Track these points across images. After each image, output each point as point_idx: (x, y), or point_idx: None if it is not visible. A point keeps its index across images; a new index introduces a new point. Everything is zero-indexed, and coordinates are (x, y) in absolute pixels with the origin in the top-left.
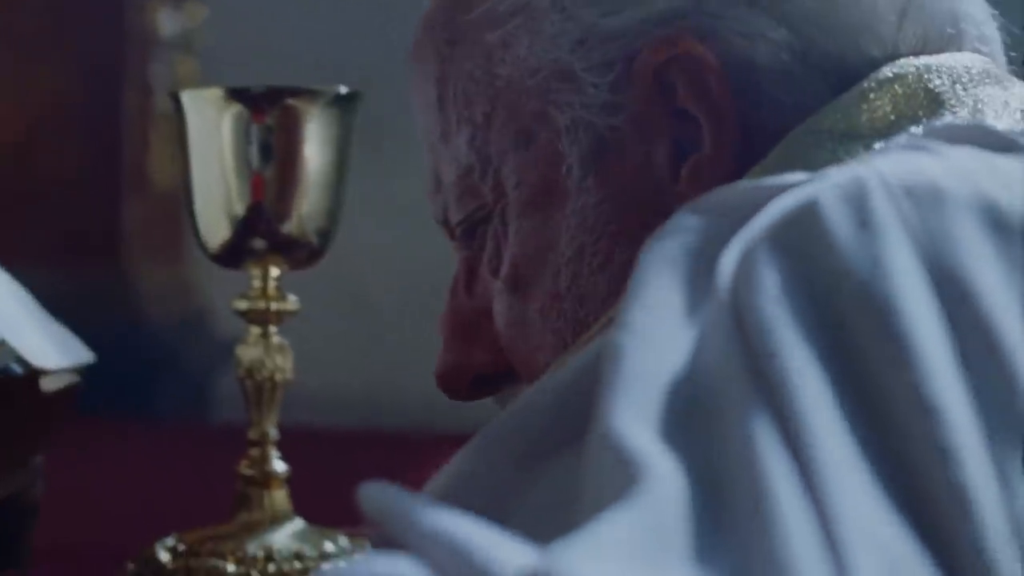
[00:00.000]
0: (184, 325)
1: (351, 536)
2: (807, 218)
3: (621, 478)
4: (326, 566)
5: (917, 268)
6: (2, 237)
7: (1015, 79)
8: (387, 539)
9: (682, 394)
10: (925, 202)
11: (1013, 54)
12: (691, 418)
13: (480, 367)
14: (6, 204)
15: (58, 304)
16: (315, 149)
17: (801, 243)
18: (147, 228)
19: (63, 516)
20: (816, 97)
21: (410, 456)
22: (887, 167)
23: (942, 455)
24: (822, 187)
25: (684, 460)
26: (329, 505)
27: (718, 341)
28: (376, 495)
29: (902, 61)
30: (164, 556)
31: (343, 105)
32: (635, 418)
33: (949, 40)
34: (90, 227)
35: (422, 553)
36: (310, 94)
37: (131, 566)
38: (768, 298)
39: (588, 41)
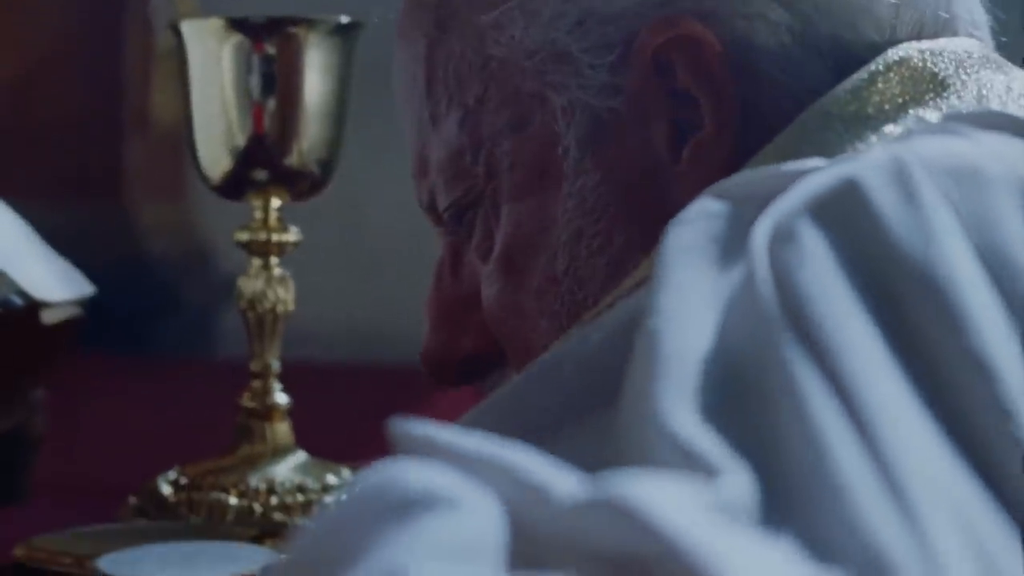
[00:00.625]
0: (186, 261)
1: (353, 468)
2: (851, 194)
3: (671, 460)
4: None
5: (966, 243)
6: (4, 174)
7: (1012, 64)
8: None
9: (722, 369)
10: (966, 181)
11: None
12: (734, 392)
13: (467, 352)
14: (7, 142)
15: (60, 241)
16: (316, 79)
17: (845, 218)
18: (148, 165)
19: (65, 450)
20: (815, 78)
21: (412, 390)
22: (923, 148)
23: (1004, 415)
24: (860, 166)
25: (733, 434)
26: (331, 438)
27: (756, 312)
28: (412, 428)
29: (906, 45)
30: (166, 489)
31: (344, 35)
32: (679, 399)
33: (944, 24)
34: (92, 164)
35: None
36: (310, 24)
37: (133, 500)
38: (815, 267)
39: (587, 22)
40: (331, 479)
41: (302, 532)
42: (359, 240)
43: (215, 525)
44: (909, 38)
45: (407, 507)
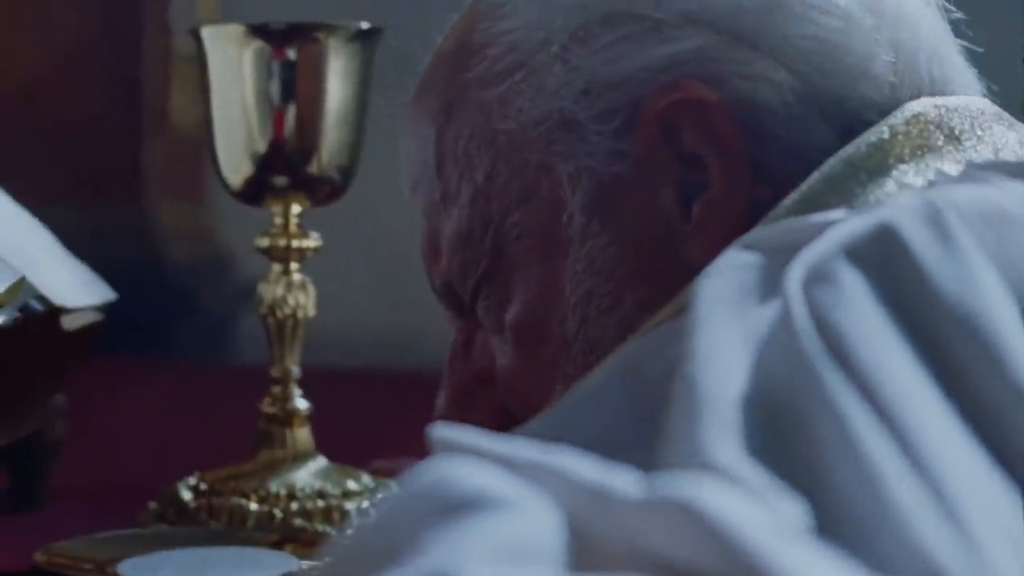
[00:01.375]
0: (204, 266)
1: (373, 474)
2: (886, 238)
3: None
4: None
5: (1001, 283)
6: (22, 177)
7: (1021, 123)
8: None
9: (761, 408)
10: (996, 223)
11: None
12: (776, 428)
13: (479, 428)
14: (26, 144)
15: (77, 244)
16: (336, 85)
17: (882, 260)
18: (167, 169)
19: (85, 456)
20: (820, 136)
21: (431, 396)
22: (953, 194)
23: None
24: (893, 211)
25: (779, 466)
26: (351, 444)
27: (794, 350)
28: (455, 434)
29: (924, 100)
30: (186, 495)
31: (364, 41)
32: (721, 436)
33: (942, 86)
34: (110, 167)
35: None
36: (331, 29)
37: (153, 505)
38: (854, 306)
39: (592, 90)
40: (351, 485)
41: (350, 530)
42: (378, 246)
43: (235, 531)
44: (909, 98)
45: (459, 507)
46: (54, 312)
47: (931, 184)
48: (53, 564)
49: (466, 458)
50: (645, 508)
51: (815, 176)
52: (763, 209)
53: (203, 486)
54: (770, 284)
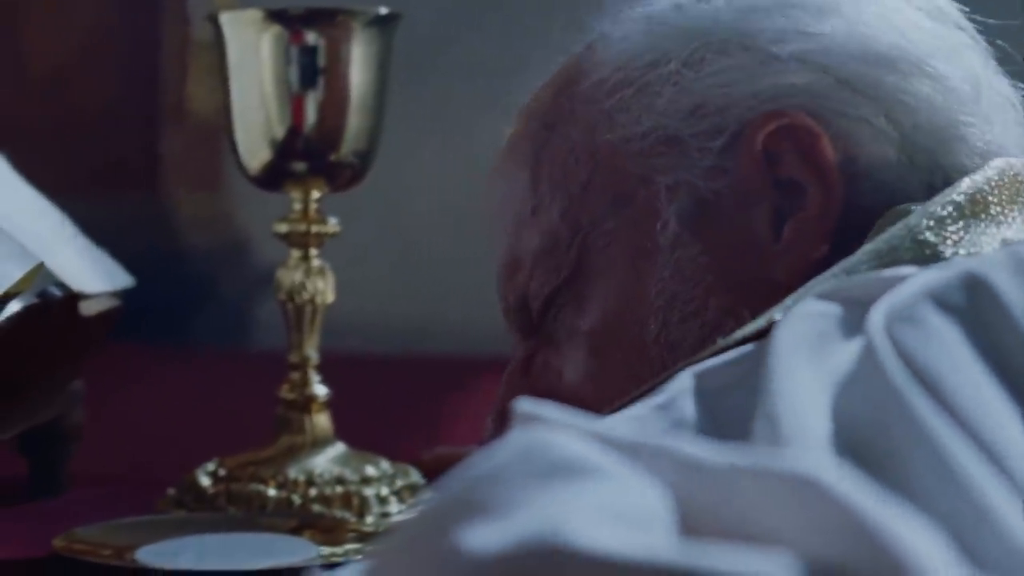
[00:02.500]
0: (222, 253)
1: (392, 460)
2: (974, 285)
3: None
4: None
5: None
6: (41, 166)
7: None
8: None
9: (846, 443)
10: None
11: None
12: (865, 460)
13: None
14: (44, 133)
15: (95, 232)
16: (355, 70)
17: (970, 305)
18: (185, 156)
19: (104, 442)
20: (911, 186)
21: (450, 382)
22: None
23: None
24: (979, 262)
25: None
26: (370, 430)
27: (880, 385)
28: (543, 409)
29: (1012, 160)
30: (205, 481)
31: (382, 26)
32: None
33: (1016, 151)
34: (128, 156)
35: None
36: (349, 15)
37: (172, 491)
38: (942, 344)
39: (699, 111)
40: (370, 470)
41: (441, 485)
42: (397, 232)
43: (255, 517)
44: (995, 155)
45: (561, 470)
46: (72, 298)
47: (1018, 244)
48: (72, 551)
49: (559, 429)
50: (756, 479)
51: (899, 226)
52: (849, 241)
53: (222, 472)
54: (849, 330)
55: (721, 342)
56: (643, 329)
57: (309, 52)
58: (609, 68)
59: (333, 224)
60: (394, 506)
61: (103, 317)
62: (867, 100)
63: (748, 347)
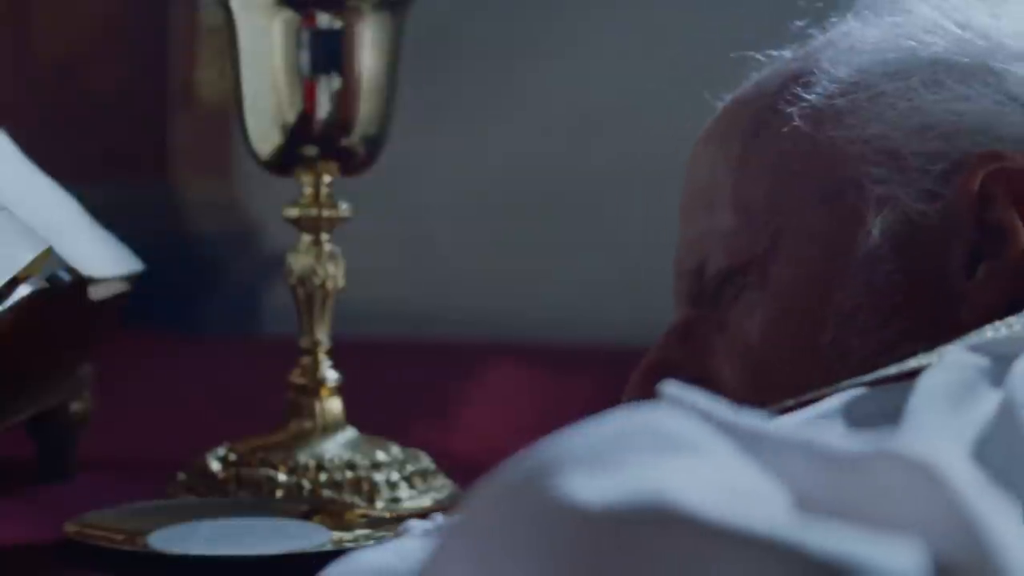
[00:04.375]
0: (230, 238)
1: (403, 445)
2: None
3: None
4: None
5: None
6: (50, 152)
7: None
8: None
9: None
10: None
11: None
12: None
13: None
14: (53, 119)
15: (103, 217)
16: (366, 54)
17: None
18: (193, 142)
19: (114, 427)
20: None
21: (460, 367)
22: None
23: None
24: None
25: None
26: (380, 414)
27: (1017, 434)
28: (687, 393)
29: None
30: (215, 466)
31: (394, 9)
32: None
33: None
34: (136, 141)
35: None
36: None
37: (182, 476)
38: None
39: (927, 133)
40: (381, 456)
41: (545, 442)
42: (407, 216)
43: (269, 502)
44: None
45: (675, 445)
46: (82, 282)
47: None
48: (84, 535)
49: (689, 413)
50: (877, 465)
51: None
52: None
53: (232, 457)
54: (991, 383)
55: (887, 370)
56: (819, 330)
57: (321, 36)
58: (848, 68)
59: (345, 209)
60: (404, 491)
61: (112, 302)
62: None
63: (902, 383)
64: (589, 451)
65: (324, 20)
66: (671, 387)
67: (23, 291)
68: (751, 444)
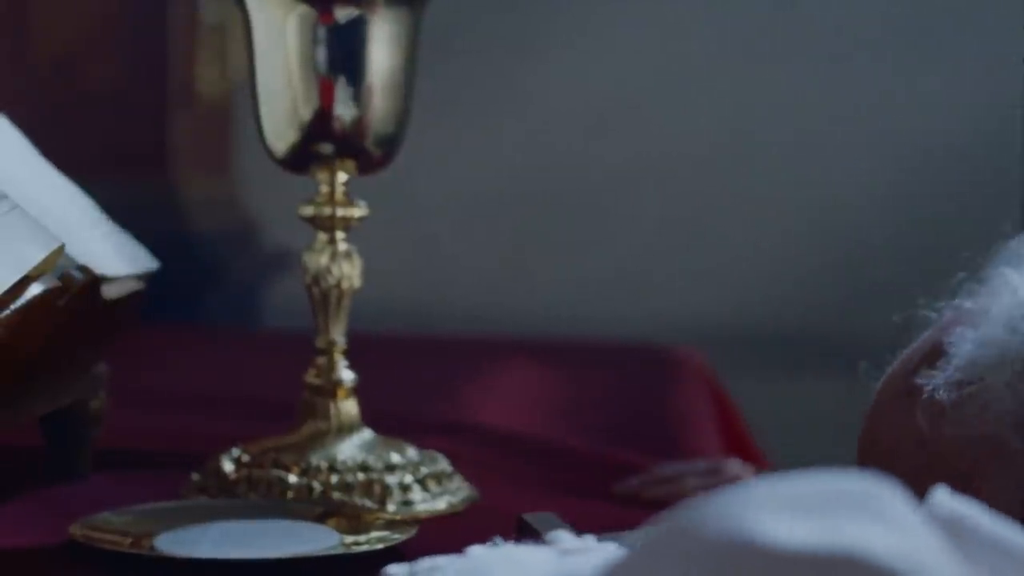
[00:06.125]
0: (231, 235)
1: (415, 444)
2: None
3: None
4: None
5: None
6: (50, 149)
7: None
8: None
9: None
10: None
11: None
12: None
13: None
14: (53, 116)
15: (106, 216)
16: (383, 51)
17: None
18: (193, 139)
19: (127, 426)
20: None
21: (472, 364)
22: None
23: None
24: None
25: None
26: (392, 414)
27: None
28: (958, 504)
29: None
30: (228, 467)
31: (411, 6)
32: None
33: None
34: (136, 139)
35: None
36: None
37: (196, 477)
38: None
39: None
40: (395, 458)
41: (744, 487)
42: (417, 215)
43: (279, 504)
44: None
45: (877, 513)
46: (95, 281)
47: None
48: (90, 538)
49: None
50: None
51: None
52: None
53: (245, 458)
54: None
55: None
56: None
57: (337, 32)
58: (962, 358)
59: (360, 208)
60: (417, 494)
61: (126, 300)
62: None
63: None
64: (791, 500)
65: (341, 15)
66: (943, 496)
67: (35, 289)
68: (962, 541)
